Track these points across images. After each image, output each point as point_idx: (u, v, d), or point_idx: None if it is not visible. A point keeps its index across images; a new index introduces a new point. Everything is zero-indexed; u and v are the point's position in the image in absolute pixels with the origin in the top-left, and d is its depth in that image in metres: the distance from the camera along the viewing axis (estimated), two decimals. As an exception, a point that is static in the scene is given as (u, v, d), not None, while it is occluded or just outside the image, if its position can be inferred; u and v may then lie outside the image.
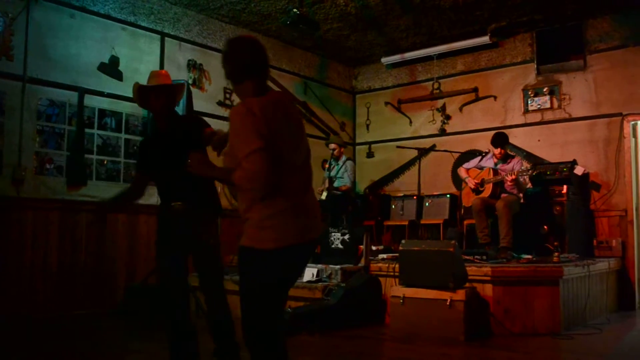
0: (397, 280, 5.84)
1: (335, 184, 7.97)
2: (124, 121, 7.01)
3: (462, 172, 7.36)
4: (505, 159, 7.04)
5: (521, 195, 7.13)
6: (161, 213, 3.82)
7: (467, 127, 8.99)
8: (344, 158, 8.29)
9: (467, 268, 5.54)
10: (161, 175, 3.69)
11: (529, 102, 8.42)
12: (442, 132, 9.29)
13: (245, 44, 2.70)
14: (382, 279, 6.16)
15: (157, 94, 3.63)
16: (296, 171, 2.59)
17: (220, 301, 3.67)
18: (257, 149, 2.38)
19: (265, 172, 2.38)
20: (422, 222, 8.37)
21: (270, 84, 2.80)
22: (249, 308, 2.56)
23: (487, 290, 5.53)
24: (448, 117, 9.26)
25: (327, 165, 8.09)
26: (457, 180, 8.33)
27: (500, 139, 7.02)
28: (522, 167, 6.86)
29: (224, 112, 8.07)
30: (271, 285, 2.56)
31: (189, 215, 3.58)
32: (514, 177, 6.65)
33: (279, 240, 2.50)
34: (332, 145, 8.19)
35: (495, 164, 7.05)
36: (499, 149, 6.97)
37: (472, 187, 7.02)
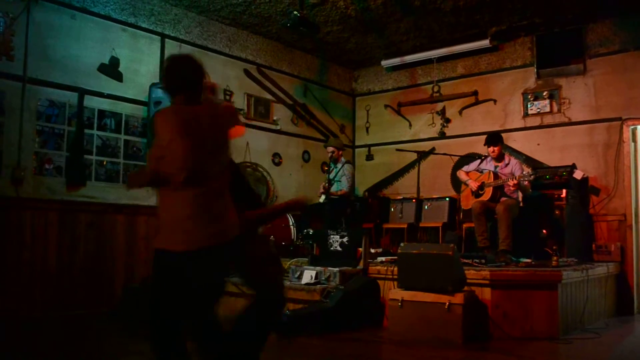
0: (395, 283, 5.83)
1: (333, 188, 7.94)
2: (123, 122, 7.01)
3: (462, 174, 7.37)
4: (500, 158, 7.08)
5: (520, 198, 7.16)
6: None
7: (467, 131, 8.99)
8: (342, 161, 8.29)
9: (466, 271, 5.54)
10: None
11: (529, 105, 8.42)
12: (442, 136, 9.29)
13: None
14: (380, 282, 6.15)
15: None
16: None
17: None
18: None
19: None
20: (421, 225, 8.38)
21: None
22: None
23: (486, 293, 5.53)
24: (448, 121, 9.26)
25: (326, 168, 8.09)
26: (457, 184, 8.33)
27: (493, 138, 7.13)
28: (524, 172, 6.88)
29: (224, 114, 8.06)
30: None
31: None
32: (515, 182, 6.67)
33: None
34: (330, 149, 8.19)
35: (495, 167, 7.07)
36: (491, 148, 7.06)
37: (474, 189, 7.03)
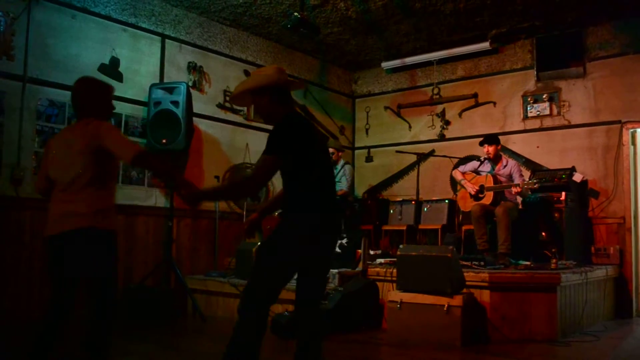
0: (394, 285, 5.83)
1: (333, 189, 7.93)
2: (123, 122, 7.01)
3: (457, 174, 7.37)
4: (497, 159, 7.10)
5: (519, 201, 7.17)
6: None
7: (467, 133, 9.00)
8: (342, 162, 8.31)
9: (465, 274, 5.55)
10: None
11: (529, 108, 8.43)
12: (442, 138, 9.29)
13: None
14: (379, 284, 6.16)
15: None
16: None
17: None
18: None
19: None
20: (420, 227, 8.38)
21: None
22: None
23: (485, 296, 5.54)
24: (447, 123, 9.27)
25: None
26: (456, 186, 8.33)
27: (488, 138, 7.19)
28: (527, 180, 6.88)
29: (224, 115, 8.08)
30: None
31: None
32: (519, 190, 6.68)
33: None
34: (330, 150, 8.20)
35: (493, 169, 7.07)
36: (486, 147, 7.10)
37: (472, 193, 7.03)
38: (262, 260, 3.22)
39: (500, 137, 7.41)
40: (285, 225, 3.21)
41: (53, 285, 3.66)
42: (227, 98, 8.11)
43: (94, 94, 3.60)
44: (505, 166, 7.06)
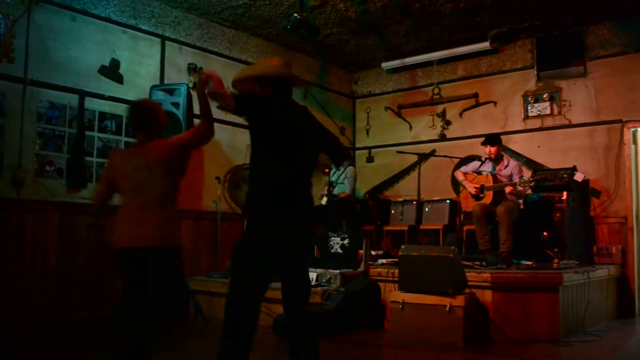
0: (396, 285, 5.83)
1: (335, 191, 7.95)
2: (124, 124, 7.01)
3: (459, 175, 7.36)
4: (499, 159, 7.09)
5: (521, 201, 7.16)
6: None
7: (467, 133, 8.99)
8: (345, 163, 8.28)
9: (467, 274, 5.54)
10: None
11: (529, 108, 8.43)
12: (442, 138, 9.29)
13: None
14: (381, 284, 6.15)
15: (263, 84, 3.40)
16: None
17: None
18: None
19: None
20: (422, 227, 8.36)
21: None
22: None
23: (487, 296, 5.53)
24: (448, 123, 9.26)
25: (327, 170, 8.07)
26: (457, 186, 8.32)
27: (490, 138, 7.17)
28: (524, 179, 6.88)
29: (224, 116, 8.03)
30: None
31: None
32: (513, 190, 6.68)
33: None
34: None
35: (494, 169, 7.06)
36: (488, 148, 7.10)
37: (473, 192, 7.02)
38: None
39: (501, 137, 7.40)
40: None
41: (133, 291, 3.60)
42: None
43: (161, 116, 3.72)
44: (506, 166, 7.05)
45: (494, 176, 6.98)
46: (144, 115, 3.62)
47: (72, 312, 6.30)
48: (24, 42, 6.17)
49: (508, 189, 6.71)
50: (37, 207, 6.19)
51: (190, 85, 7.50)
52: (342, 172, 8.08)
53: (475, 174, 7.19)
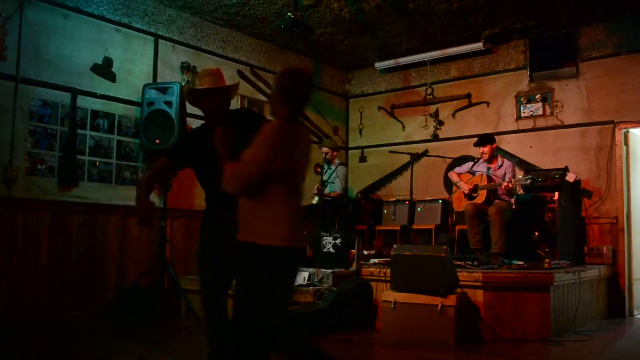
0: (388, 285, 5.84)
1: (326, 190, 7.96)
2: (116, 122, 7.00)
3: (453, 176, 7.38)
4: (492, 160, 7.12)
5: (513, 201, 7.18)
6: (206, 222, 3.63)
7: (460, 133, 9.01)
8: (336, 162, 8.30)
9: (459, 273, 5.55)
10: (212, 178, 3.15)
11: (522, 108, 8.45)
12: (435, 138, 9.31)
13: (300, 75, 2.99)
14: (373, 284, 6.16)
15: (210, 96, 3.48)
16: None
17: None
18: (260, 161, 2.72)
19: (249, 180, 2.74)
20: (414, 227, 8.37)
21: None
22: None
23: (478, 295, 5.54)
24: (441, 123, 9.28)
25: (319, 169, 8.09)
26: (449, 186, 8.34)
27: (483, 138, 7.21)
28: (519, 177, 6.90)
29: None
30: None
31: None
32: (510, 186, 6.70)
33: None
34: (325, 149, 8.21)
35: (488, 169, 7.09)
36: (481, 148, 7.15)
37: (466, 192, 7.05)
38: None
39: (493, 136, 7.42)
40: None
41: None
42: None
43: None
44: (500, 166, 7.08)
45: (488, 176, 7.00)
46: (302, 84, 3.01)
47: (63, 311, 6.28)
48: (16, 40, 6.14)
49: (504, 185, 6.73)
50: (28, 206, 6.17)
51: (184, 84, 7.50)
52: (333, 172, 8.09)
53: (471, 175, 7.21)
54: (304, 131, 3.03)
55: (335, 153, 8.32)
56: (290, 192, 2.87)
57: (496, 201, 6.85)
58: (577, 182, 7.61)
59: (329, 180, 8.02)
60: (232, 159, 2.79)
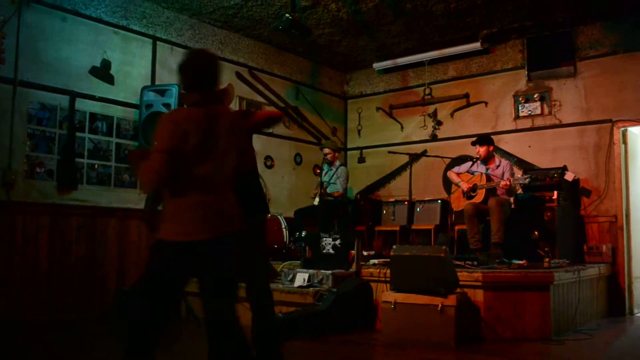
0: (388, 285, 5.84)
1: (329, 190, 7.98)
2: (115, 125, 7.00)
3: (453, 175, 7.39)
4: (490, 159, 7.13)
5: (512, 200, 7.19)
6: None
7: (458, 133, 9.01)
8: (337, 163, 8.32)
9: (458, 273, 5.55)
10: None
11: (520, 108, 8.46)
12: (434, 138, 9.31)
13: (204, 57, 3.02)
14: (373, 284, 6.15)
15: None
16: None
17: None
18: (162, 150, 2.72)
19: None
20: (413, 227, 8.38)
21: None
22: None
23: (478, 295, 5.54)
24: (439, 123, 9.28)
25: (318, 171, 8.09)
26: (448, 186, 8.34)
27: (480, 138, 7.23)
28: (518, 177, 6.91)
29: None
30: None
31: None
32: (509, 183, 6.71)
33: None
34: (326, 150, 8.23)
35: (487, 169, 7.10)
36: (477, 148, 7.17)
37: (466, 190, 7.06)
38: None
39: (492, 136, 7.43)
40: None
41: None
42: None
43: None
44: (498, 166, 7.09)
45: (487, 176, 7.01)
46: (203, 67, 3.00)
47: (63, 314, 6.28)
48: (14, 43, 6.14)
49: (502, 183, 6.74)
50: (27, 209, 6.17)
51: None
52: (334, 172, 8.10)
53: (470, 175, 7.22)
54: (211, 112, 2.88)
55: (336, 154, 8.34)
56: (195, 186, 2.82)
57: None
58: (576, 181, 7.61)
59: (330, 181, 8.04)
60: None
